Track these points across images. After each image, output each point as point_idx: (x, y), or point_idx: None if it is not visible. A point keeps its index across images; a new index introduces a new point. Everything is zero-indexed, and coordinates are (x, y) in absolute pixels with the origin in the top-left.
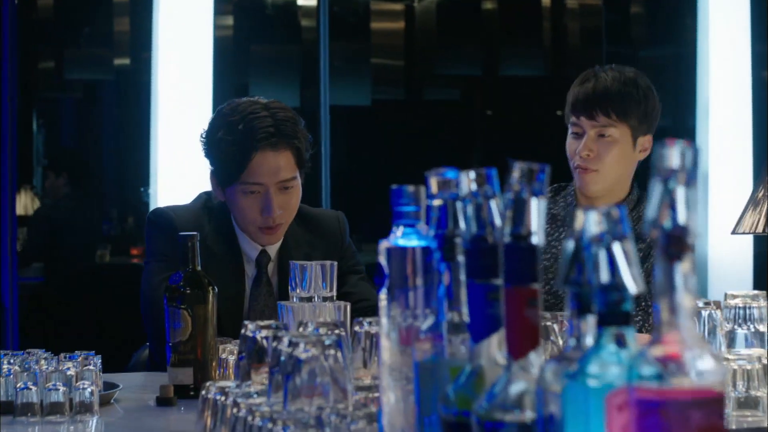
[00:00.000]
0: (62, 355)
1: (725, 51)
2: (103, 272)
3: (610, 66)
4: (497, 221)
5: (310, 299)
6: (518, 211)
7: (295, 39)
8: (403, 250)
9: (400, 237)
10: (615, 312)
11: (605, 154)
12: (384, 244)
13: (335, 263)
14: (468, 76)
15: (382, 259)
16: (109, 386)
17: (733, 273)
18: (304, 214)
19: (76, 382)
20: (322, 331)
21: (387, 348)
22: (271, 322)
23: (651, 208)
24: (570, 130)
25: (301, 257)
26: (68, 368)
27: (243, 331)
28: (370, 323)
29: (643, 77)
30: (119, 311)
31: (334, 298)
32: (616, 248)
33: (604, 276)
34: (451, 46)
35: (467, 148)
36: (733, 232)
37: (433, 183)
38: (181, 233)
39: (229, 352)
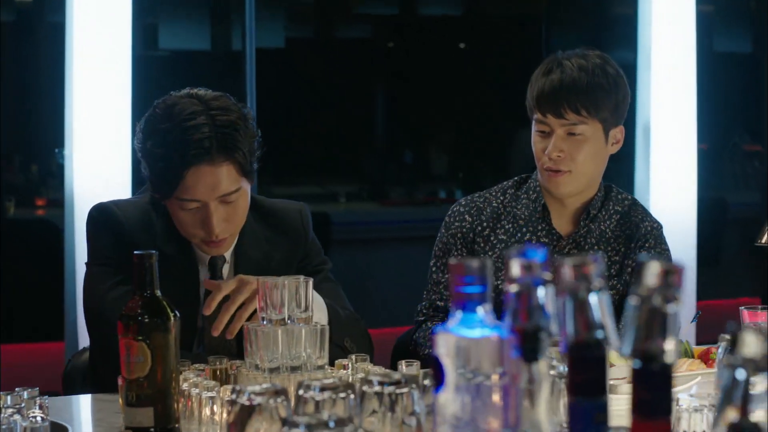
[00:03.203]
0: (2, 395)
1: None
2: (8, 225)
3: (574, 51)
4: (607, 322)
5: (282, 322)
6: (649, 323)
7: None
8: (470, 342)
9: (461, 324)
10: None
11: (577, 153)
12: (442, 335)
13: (310, 279)
14: (385, 15)
15: (442, 352)
16: (57, 428)
17: (677, 230)
18: (261, 207)
19: None
20: (328, 396)
21: None
22: (267, 385)
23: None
24: (535, 128)
25: (260, 256)
26: (12, 414)
27: (233, 396)
28: (380, 383)
29: (611, 62)
30: (26, 264)
31: (310, 319)
32: None
33: None
34: None
35: (386, 89)
36: (757, 243)
37: (514, 265)
38: (138, 252)
39: (192, 384)
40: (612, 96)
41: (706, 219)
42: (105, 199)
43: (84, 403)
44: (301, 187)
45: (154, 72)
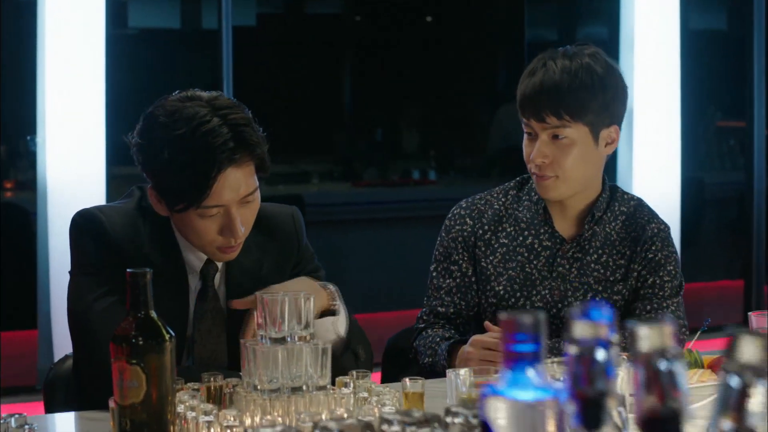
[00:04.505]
0: None
1: None
2: None
3: (564, 49)
4: (682, 392)
5: (282, 340)
6: (739, 402)
7: None
8: (524, 406)
9: (512, 386)
10: None
11: (563, 158)
12: (492, 398)
13: (311, 296)
14: None
15: (493, 415)
16: None
17: (660, 213)
18: None
19: None
20: None
21: None
22: (280, 427)
23: None
24: (524, 131)
25: (252, 263)
26: None
27: None
28: (401, 422)
29: (601, 59)
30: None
31: (311, 337)
32: None
33: None
34: None
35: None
36: None
37: (578, 326)
38: (131, 270)
39: (188, 407)
40: (598, 97)
41: (685, 199)
42: (78, 185)
43: (69, 422)
44: (272, 166)
45: (126, 51)
